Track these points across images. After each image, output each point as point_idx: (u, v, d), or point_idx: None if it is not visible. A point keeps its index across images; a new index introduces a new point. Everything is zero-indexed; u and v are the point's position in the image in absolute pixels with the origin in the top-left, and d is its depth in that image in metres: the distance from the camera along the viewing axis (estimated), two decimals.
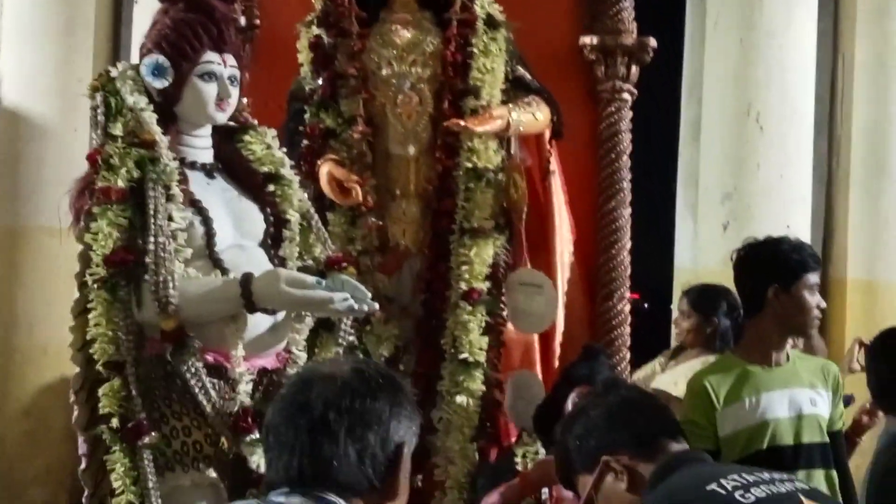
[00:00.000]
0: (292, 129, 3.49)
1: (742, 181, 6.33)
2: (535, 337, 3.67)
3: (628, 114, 3.84)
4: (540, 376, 3.66)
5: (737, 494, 1.72)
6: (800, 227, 6.47)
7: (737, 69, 5.82)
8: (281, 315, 2.78)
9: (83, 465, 2.72)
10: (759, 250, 3.34)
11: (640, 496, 1.88)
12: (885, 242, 6.52)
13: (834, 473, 3.25)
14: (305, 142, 3.35)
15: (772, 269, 3.23)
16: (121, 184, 2.65)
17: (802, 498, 1.75)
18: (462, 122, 3.32)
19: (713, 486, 1.75)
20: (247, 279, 2.64)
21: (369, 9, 3.54)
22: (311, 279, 2.66)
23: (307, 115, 3.50)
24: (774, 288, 3.18)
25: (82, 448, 2.72)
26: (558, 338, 3.73)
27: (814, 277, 3.23)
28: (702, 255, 6.21)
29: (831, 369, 3.43)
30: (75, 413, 2.71)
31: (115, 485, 2.62)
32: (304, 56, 3.55)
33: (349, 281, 2.74)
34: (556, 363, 3.72)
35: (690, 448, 1.98)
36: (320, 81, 3.46)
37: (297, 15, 3.63)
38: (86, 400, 2.69)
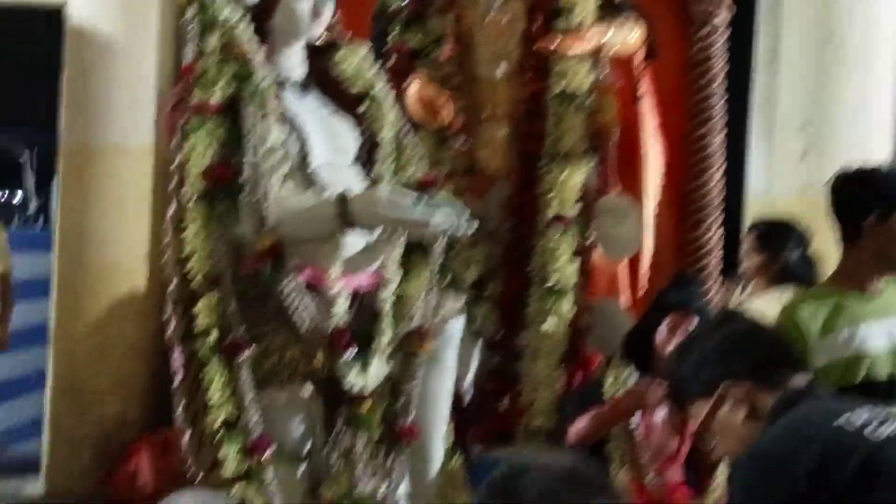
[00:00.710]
0: (377, 49, 3.43)
1: (822, 109, 6.20)
2: (622, 264, 3.61)
3: (722, 37, 3.73)
4: (625, 304, 3.62)
5: (866, 431, 1.67)
6: (880, 157, 6.33)
7: None
8: (375, 234, 2.76)
9: (177, 380, 2.73)
10: (856, 178, 3.24)
11: (758, 426, 1.85)
12: None
13: None
14: (391, 61, 3.28)
15: (868, 199, 3.12)
16: (216, 98, 2.62)
17: None
18: (554, 44, 3.25)
19: (840, 422, 1.70)
20: (344, 197, 2.61)
21: None
22: (409, 199, 2.62)
23: (393, 34, 3.44)
24: (871, 218, 3.09)
25: (177, 362, 2.72)
26: (645, 265, 3.67)
27: None
28: (777, 183, 6.10)
29: None
30: (171, 326, 2.71)
31: (213, 399, 2.62)
32: None
33: (446, 201, 2.70)
34: (643, 291, 3.67)
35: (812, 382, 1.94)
36: None
37: None
38: (182, 313, 2.69)
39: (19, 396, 6.15)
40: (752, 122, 5.66)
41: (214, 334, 2.63)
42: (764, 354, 1.94)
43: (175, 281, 2.70)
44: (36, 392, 5.23)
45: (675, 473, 3.21)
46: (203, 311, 2.62)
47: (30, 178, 12.50)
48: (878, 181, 3.15)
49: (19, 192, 13.23)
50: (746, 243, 4.60)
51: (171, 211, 2.71)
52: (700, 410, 1.93)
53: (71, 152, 4.68)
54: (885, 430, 1.69)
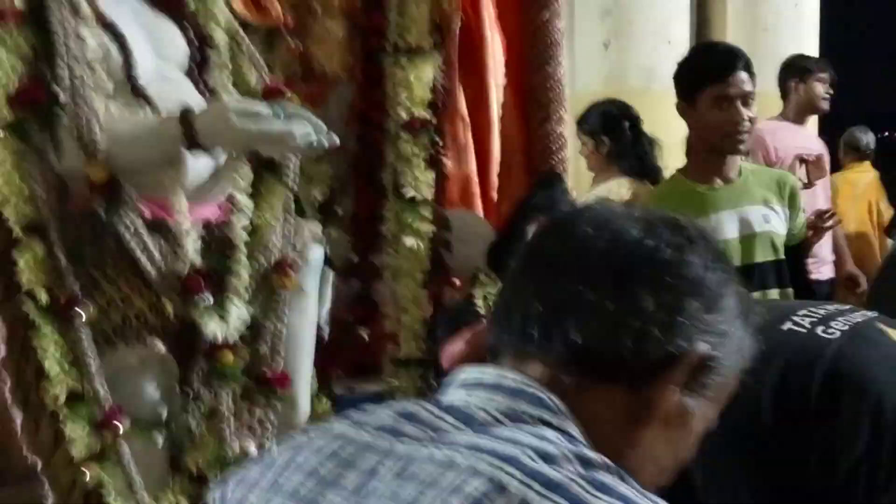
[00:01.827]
0: None
1: None
2: (474, 168, 3.33)
3: None
4: (481, 211, 3.35)
5: (818, 330, 1.49)
6: (680, 41, 6.32)
7: None
8: (223, 157, 2.35)
9: (2, 353, 2.26)
10: (691, 57, 3.13)
11: None
12: (764, 53, 6.44)
13: (790, 290, 3.12)
14: None
15: (699, 75, 3.01)
16: (17, 2, 2.12)
17: (879, 324, 1.54)
18: None
19: (789, 325, 1.51)
20: (188, 115, 2.19)
21: None
22: (265, 109, 2.22)
23: None
24: (703, 96, 2.97)
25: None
26: (495, 168, 3.40)
27: (738, 82, 2.98)
28: (581, 75, 6.00)
29: (788, 181, 3.27)
30: None
31: (51, 371, 2.18)
32: None
33: (301, 110, 2.32)
34: (495, 195, 3.41)
35: None
36: None
37: None
38: None
39: None
40: None
41: (43, 294, 2.17)
42: None
43: None
44: None
45: None
46: (26, 267, 2.16)
47: None
48: (685, 63, 3.04)
49: None
50: (578, 133, 4.46)
51: None
52: None
53: None
54: (837, 327, 1.51)
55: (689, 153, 3.15)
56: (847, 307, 1.58)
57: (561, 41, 3.46)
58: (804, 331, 1.50)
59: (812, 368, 1.44)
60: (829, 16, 7.20)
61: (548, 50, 3.44)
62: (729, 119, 2.94)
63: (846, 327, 1.50)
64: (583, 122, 4.35)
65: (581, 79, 5.98)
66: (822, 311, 1.54)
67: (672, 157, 4.89)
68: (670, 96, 6.45)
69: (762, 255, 3.08)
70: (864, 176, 7.07)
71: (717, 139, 2.99)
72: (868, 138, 7.10)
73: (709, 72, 2.98)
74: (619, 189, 4.34)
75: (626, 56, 6.09)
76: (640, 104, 5.20)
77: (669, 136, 5.28)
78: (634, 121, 4.64)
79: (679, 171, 3.30)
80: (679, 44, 6.35)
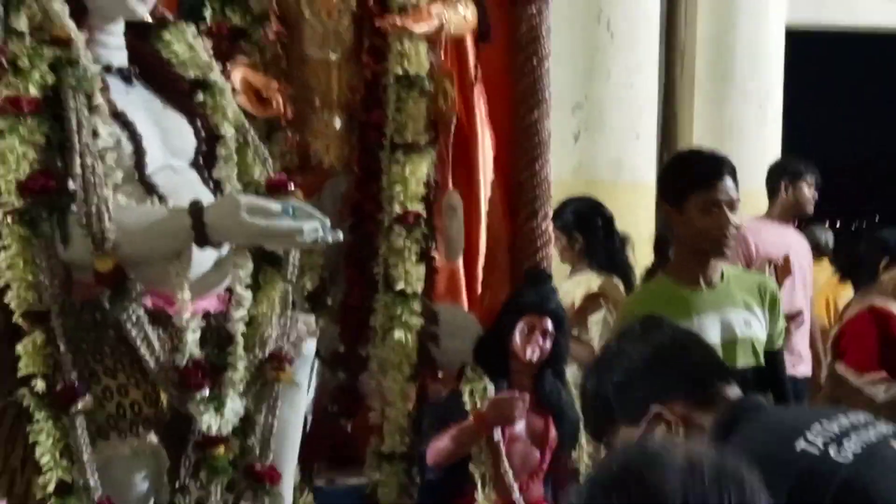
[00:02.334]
0: None
1: (593, 90, 6.22)
2: (460, 263, 3.36)
3: (549, 15, 3.53)
4: (466, 305, 3.37)
5: (831, 452, 1.52)
6: (648, 136, 6.45)
7: None
8: (225, 249, 2.35)
9: None
10: (676, 163, 3.18)
11: None
12: (729, 150, 6.57)
13: (769, 396, 3.15)
14: (209, 44, 2.85)
15: (686, 182, 3.06)
16: (33, 91, 2.13)
17: (893, 442, 1.57)
18: (398, 21, 2.92)
19: (803, 445, 1.54)
20: (198, 208, 2.19)
21: None
22: (275, 206, 2.23)
23: (208, 12, 3.00)
24: (669, 207, 3.03)
25: None
26: (481, 263, 3.43)
27: (725, 188, 3.05)
28: (553, 164, 6.08)
29: (768, 286, 3.31)
30: None
31: (42, 460, 2.14)
32: None
33: (308, 207, 2.34)
34: (479, 289, 3.44)
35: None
36: None
37: None
38: None
39: None
40: None
41: (40, 381, 2.14)
42: (693, 367, 1.75)
43: None
44: None
45: (538, 488, 3.02)
46: (26, 355, 2.13)
47: None
48: (690, 165, 3.09)
49: None
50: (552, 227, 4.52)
51: None
52: (628, 437, 1.71)
53: None
54: (850, 448, 1.54)
55: (676, 256, 3.18)
56: (862, 420, 1.60)
57: (548, 140, 3.52)
58: (817, 453, 1.52)
59: (825, 487, 1.47)
60: (793, 116, 7.39)
61: (536, 148, 3.51)
62: (715, 224, 2.99)
63: (859, 449, 1.52)
64: (556, 218, 4.43)
65: (553, 168, 6.07)
66: (835, 428, 1.56)
67: (640, 250, 4.98)
68: (638, 188, 6.55)
69: (743, 361, 3.10)
70: (823, 274, 7.20)
71: (703, 243, 3.04)
72: (827, 236, 7.25)
73: (697, 178, 3.03)
74: (588, 283, 4.41)
75: (596, 148, 6.20)
76: (609, 196, 5.29)
77: (638, 228, 5.37)
78: (607, 219, 4.72)
79: (663, 272, 3.35)
80: (647, 138, 6.50)
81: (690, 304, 3.03)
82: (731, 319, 3.09)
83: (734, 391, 1.74)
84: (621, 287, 4.38)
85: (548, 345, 3.02)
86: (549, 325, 3.03)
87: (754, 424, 1.64)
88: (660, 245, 4.62)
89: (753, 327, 3.15)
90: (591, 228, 4.65)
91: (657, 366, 1.73)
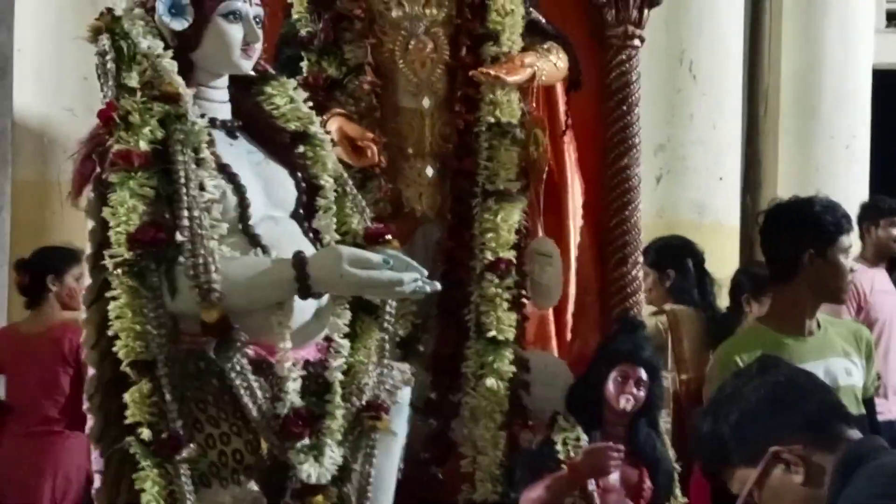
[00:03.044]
0: None
1: (676, 131, 6.19)
2: (550, 309, 3.35)
3: (638, 62, 3.53)
4: (556, 352, 3.35)
5: None
6: (732, 176, 6.40)
7: (668, 13, 5.62)
8: (325, 298, 2.38)
9: (97, 484, 2.27)
10: (790, 213, 3.14)
11: (817, 490, 1.64)
12: (815, 190, 6.48)
13: None
14: (307, 94, 2.91)
15: (805, 233, 3.03)
16: (143, 146, 2.19)
17: None
18: (492, 72, 2.95)
19: None
20: (301, 260, 2.23)
21: None
22: (376, 257, 2.27)
23: (304, 64, 3.06)
24: (809, 253, 3.00)
25: (96, 464, 2.27)
26: (570, 309, 3.42)
27: (847, 240, 3.07)
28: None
29: (863, 334, 3.28)
30: (90, 422, 2.26)
31: None
32: None
33: (406, 258, 2.37)
34: (569, 336, 3.42)
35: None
36: (321, 24, 3.02)
37: None
38: (100, 406, 2.24)
39: None
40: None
41: (146, 430, 2.19)
42: (814, 407, 1.73)
43: (92, 369, 2.24)
44: None
45: None
46: (133, 403, 2.18)
47: None
48: (811, 215, 3.05)
49: None
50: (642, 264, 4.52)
51: (84, 284, 2.25)
52: (745, 478, 1.69)
53: None
54: None
55: (781, 304, 3.13)
56: None
57: (638, 186, 3.51)
58: None
59: None
60: (880, 156, 7.28)
61: (625, 194, 3.50)
62: (838, 272, 3.01)
63: None
64: (646, 255, 4.43)
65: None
66: None
67: (723, 294, 4.92)
68: (722, 230, 6.47)
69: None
70: None
71: (822, 291, 3.03)
72: None
73: (828, 229, 3.00)
74: (674, 314, 4.42)
75: (679, 190, 6.17)
76: (692, 238, 5.25)
77: (724, 270, 5.31)
78: (698, 258, 4.70)
79: (759, 320, 3.32)
80: (731, 179, 6.44)
81: (794, 352, 3.00)
82: (834, 368, 3.07)
83: (855, 432, 1.71)
84: (696, 322, 4.40)
85: (642, 394, 2.99)
86: (643, 374, 3.01)
87: (877, 463, 1.62)
88: (736, 291, 4.58)
89: (854, 375, 3.13)
90: (682, 266, 4.64)
91: (776, 406, 1.71)
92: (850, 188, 6.72)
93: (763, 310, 4.13)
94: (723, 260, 5.88)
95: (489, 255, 3.03)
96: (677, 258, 4.68)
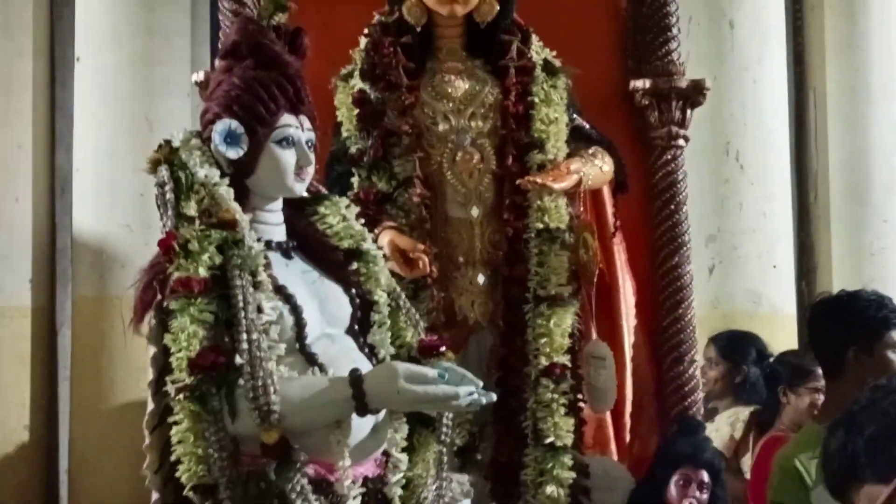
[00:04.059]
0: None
1: (726, 222, 6.19)
2: (608, 413, 3.34)
3: (684, 161, 3.57)
4: (615, 455, 3.33)
5: None
6: (784, 265, 6.36)
7: (712, 105, 5.66)
8: (382, 414, 2.40)
9: None
10: (834, 308, 3.11)
11: None
12: (870, 275, 6.44)
13: None
14: (358, 209, 2.97)
15: (850, 330, 3.00)
16: (202, 273, 2.24)
17: None
18: (538, 179, 3.00)
19: None
20: (358, 377, 2.25)
21: (414, 59, 3.19)
22: (432, 372, 2.29)
23: (355, 180, 3.13)
24: (854, 349, 2.96)
25: None
26: (628, 411, 3.41)
27: (886, 341, 3.02)
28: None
29: None
30: None
31: None
32: (344, 113, 3.19)
33: (462, 370, 2.39)
34: (628, 439, 3.40)
35: None
36: (370, 141, 3.10)
37: (318, 69, 3.24)
38: None
39: None
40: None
41: None
42: None
43: (155, 493, 2.27)
44: None
45: None
46: None
47: None
48: (857, 310, 3.03)
49: None
50: (705, 355, 4.48)
51: (148, 411, 2.29)
52: (873, 496, 1.66)
53: None
54: None
55: (833, 401, 3.10)
56: None
57: (690, 284, 3.52)
58: None
59: None
60: None
61: (678, 293, 3.51)
62: (887, 370, 2.95)
63: None
64: (723, 346, 4.40)
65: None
66: None
67: None
68: (778, 319, 6.38)
69: None
70: None
71: None
72: None
73: (889, 318, 2.98)
74: (738, 415, 4.36)
75: (732, 280, 6.13)
76: (748, 328, 5.21)
77: None
78: (768, 357, 4.63)
79: (813, 418, 3.28)
80: (785, 266, 6.40)
81: None
82: None
83: None
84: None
85: (705, 497, 2.97)
86: (705, 476, 2.98)
87: None
88: (772, 381, 4.47)
89: None
90: (754, 364, 4.60)
91: None
92: None
93: (800, 402, 4.10)
94: (779, 349, 5.83)
95: (544, 361, 3.04)
96: (753, 356, 4.63)
